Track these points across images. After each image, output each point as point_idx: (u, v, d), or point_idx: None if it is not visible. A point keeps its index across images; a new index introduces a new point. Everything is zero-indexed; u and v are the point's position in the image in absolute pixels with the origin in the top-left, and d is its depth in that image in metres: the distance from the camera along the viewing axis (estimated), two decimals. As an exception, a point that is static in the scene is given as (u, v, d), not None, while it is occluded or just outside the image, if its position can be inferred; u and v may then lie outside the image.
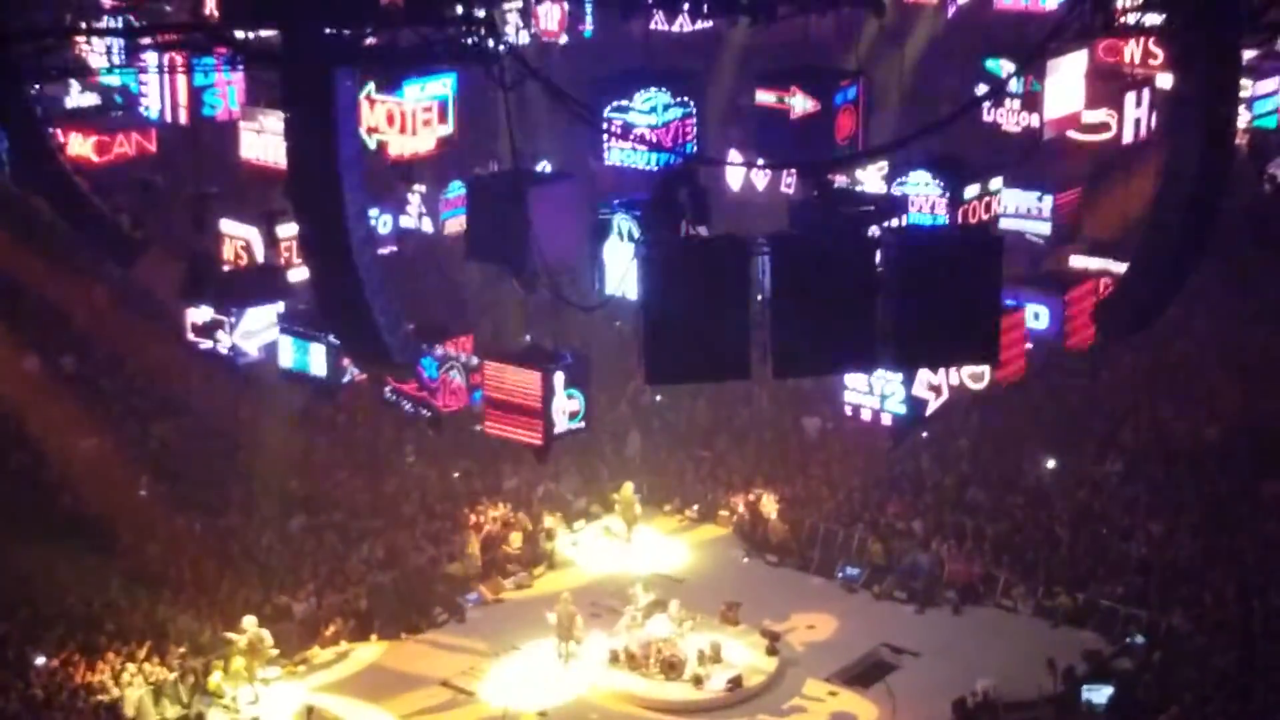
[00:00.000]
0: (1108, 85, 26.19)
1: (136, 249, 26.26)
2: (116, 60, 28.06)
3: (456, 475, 34.83)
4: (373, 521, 33.40)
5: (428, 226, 30.27)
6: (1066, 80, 25.03)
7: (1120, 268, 23.88)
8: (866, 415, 23.46)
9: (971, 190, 24.44)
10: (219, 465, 34.00)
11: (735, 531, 34.66)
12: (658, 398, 37.18)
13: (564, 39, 34.23)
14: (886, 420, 23.34)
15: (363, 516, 33.53)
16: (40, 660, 28.23)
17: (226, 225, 26.97)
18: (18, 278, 35.43)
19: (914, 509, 33.71)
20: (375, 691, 29.14)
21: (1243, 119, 27.84)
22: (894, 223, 22.09)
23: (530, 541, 33.72)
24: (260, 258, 26.73)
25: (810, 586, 32.75)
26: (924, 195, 24.13)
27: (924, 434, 31.47)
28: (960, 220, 24.10)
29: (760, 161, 25.70)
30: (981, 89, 24.63)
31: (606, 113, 23.43)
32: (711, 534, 34.89)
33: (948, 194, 24.11)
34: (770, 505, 34.49)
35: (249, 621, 29.12)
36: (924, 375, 22.87)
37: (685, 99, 24.00)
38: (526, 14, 32.91)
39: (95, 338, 36.72)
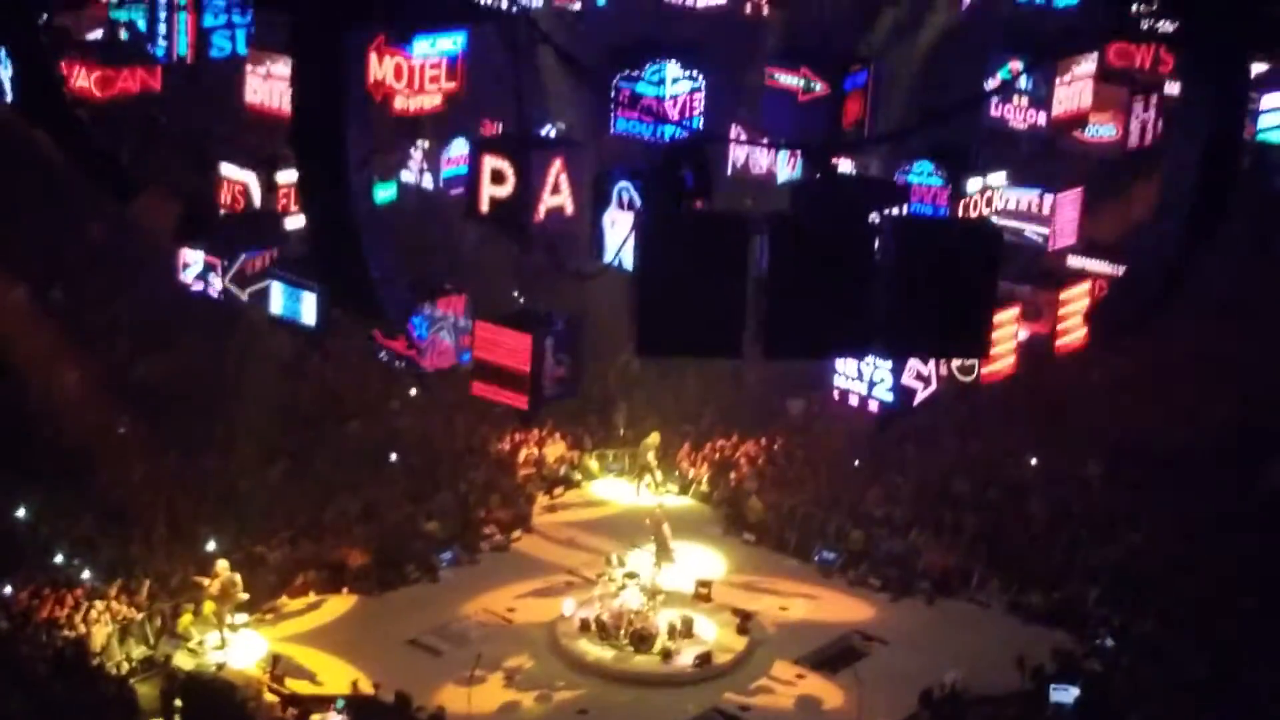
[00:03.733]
0: (1116, 89, 26.15)
1: (134, 185, 26.14)
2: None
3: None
4: (353, 475, 33.38)
5: (428, 183, 30.17)
6: (1075, 81, 24.99)
7: (1117, 270, 23.86)
8: (854, 401, 23.44)
9: (974, 184, 24.40)
10: (202, 407, 33.87)
11: (714, 508, 34.72)
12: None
13: (578, 4, 34.04)
14: (873, 407, 23.32)
15: (343, 469, 33.50)
16: (8, 590, 28.22)
17: (225, 169, 26.85)
18: (11, 208, 35.31)
19: (894, 497, 33.77)
20: (342, 645, 29.09)
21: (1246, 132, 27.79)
22: (894, 211, 21.98)
23: (510, 505, 33.76)
24: (257, 203, 26.65)
25: (785, 568, 32.81)
26: (926, 185, 24.09)
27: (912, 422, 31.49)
28: (961, 213, 24.07)
29: (765, 140, 25.62)
30: (992, 83, 24.59)
31: (615, 82, 23.32)
32: (689, 509, 34.95)
33: (950, 186, 24.08)
34: (751, 484, 34.52)
35: (221, 565, 29.08)
36: (914, 365, 22.86)
37: (694, 73, 23.90)
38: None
39: (86, 272, 36.62)
